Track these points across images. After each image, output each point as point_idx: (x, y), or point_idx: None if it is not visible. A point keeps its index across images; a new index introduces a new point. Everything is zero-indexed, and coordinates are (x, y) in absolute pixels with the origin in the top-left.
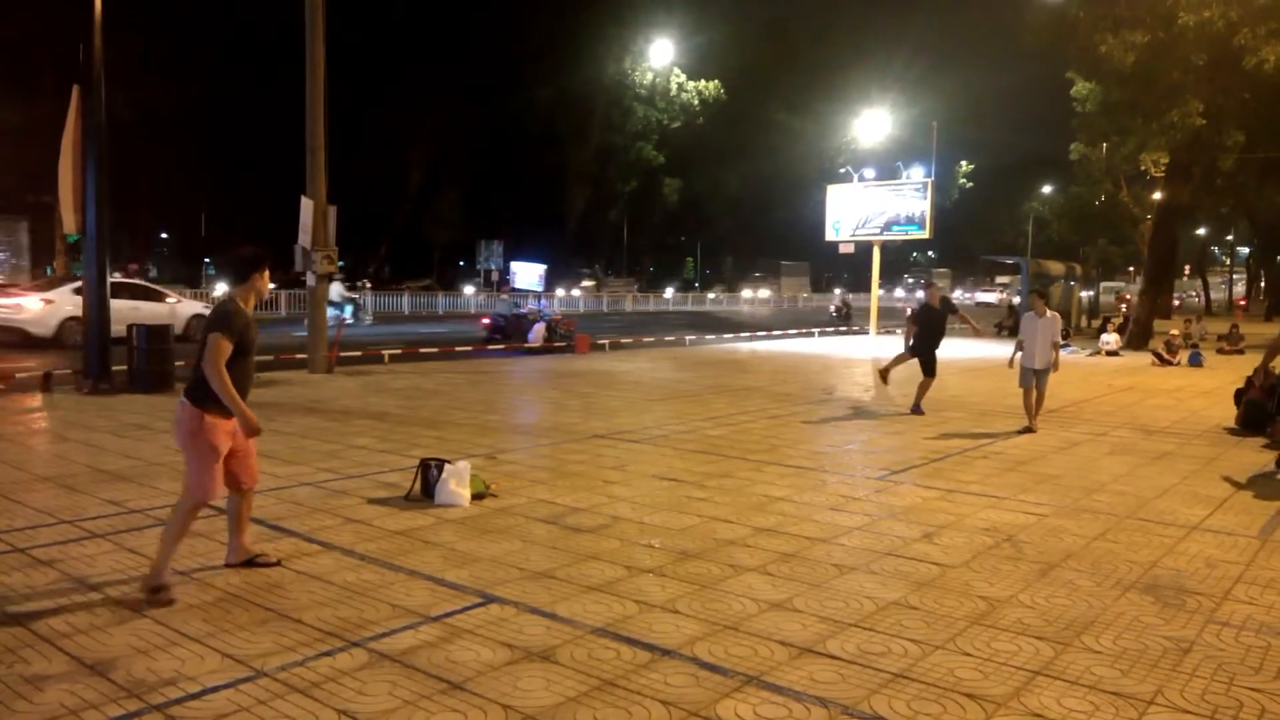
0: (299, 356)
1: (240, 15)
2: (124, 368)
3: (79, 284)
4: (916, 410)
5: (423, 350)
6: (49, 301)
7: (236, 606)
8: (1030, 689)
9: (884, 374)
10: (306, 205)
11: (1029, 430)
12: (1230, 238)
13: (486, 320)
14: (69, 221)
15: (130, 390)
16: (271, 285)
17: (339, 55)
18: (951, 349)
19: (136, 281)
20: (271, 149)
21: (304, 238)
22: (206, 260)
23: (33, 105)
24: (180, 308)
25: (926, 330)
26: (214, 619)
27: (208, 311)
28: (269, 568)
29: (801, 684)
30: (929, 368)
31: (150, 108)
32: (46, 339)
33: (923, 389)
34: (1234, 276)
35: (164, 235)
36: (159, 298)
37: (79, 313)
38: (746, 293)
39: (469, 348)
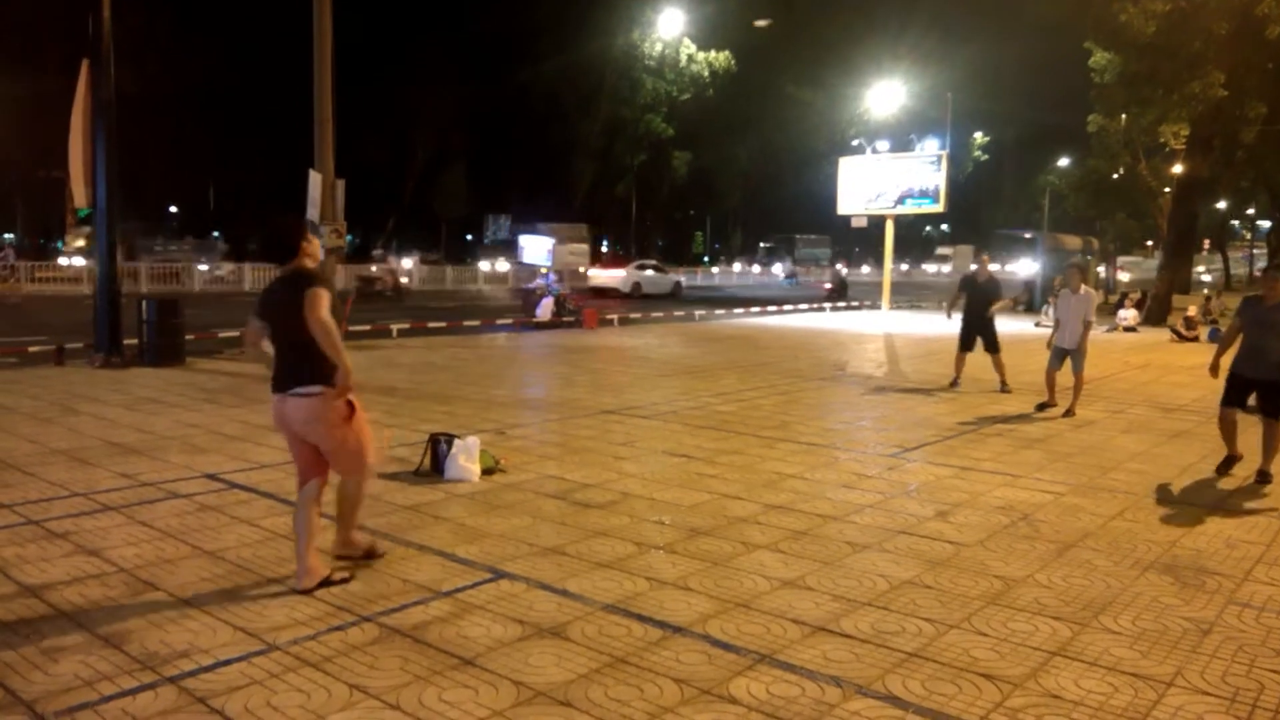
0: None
1: None
2: (134, 341)
3: (640, 262)
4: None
5: (431, 325)
6: (626, 270)
7: (248, 580)
8: (1047, 670)
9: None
10: (314, 179)
11: (1048, 405)
12: (1251, 211)
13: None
14: (79, 196)
15: (141, 364)
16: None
17: (345, 29)
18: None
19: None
20: (279, 123)
21: (312, 211)
22: (216, 234)
23: (41, 80)
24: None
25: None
26: (225, 593)
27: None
28: (345, 583)
29: (815, 663)
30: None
31: (158, 82)
32: (625, 293)
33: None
34: (1255, 251)
35: (173, 209)
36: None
37: (639, 279)
38: (738, 266)
39: (477, 322)
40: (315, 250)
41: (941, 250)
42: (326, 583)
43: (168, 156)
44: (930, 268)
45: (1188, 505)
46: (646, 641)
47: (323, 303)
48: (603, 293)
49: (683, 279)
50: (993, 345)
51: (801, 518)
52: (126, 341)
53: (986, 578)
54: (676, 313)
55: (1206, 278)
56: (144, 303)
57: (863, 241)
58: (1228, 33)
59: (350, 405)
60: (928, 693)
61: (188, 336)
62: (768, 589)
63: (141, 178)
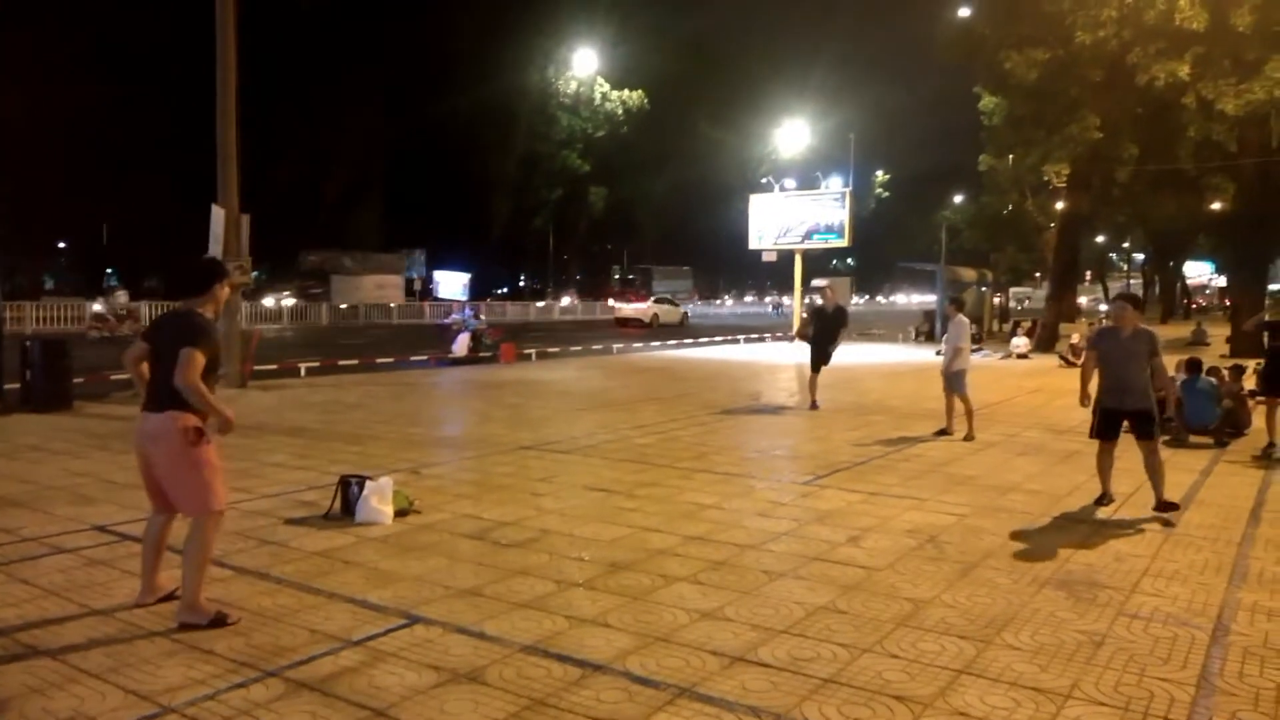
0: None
1: (148, 15)
2: (16, 386)
3: (658, 297)
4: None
5: (341, 363)
6: (648, 304)
7: (140, 639)
8: (955, 688)
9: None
10: (218, 214)
11: (944, 432)
12: (1127, 245)
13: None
14: None
15: (24, 410)
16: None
17: (252, 59)
18: (876, 353)
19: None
20: (181, 155)
21: (215, 247)
22: (109, 270)
23: None
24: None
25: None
26: (116, 653)
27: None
28: (232, 625)
29: (734, 693)
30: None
31: (48, 110)
32: (646, 323)
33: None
34: (1131, 281)
35: (61, 245)
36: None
37: (658, 310)
38: (566, 301)
39: (390, 359)
40: (223, 298)
41: (816, 282)
42: (170, 597)
43: (58, 188)
44: (655, 308)
45: (1080, 522)
46: (566, 681)
47: (194, 367)
48: (626, 322)
49: (688, 310)
50: (818, 366)
51: (719, 548)
52: (8, 386)
53: (897, 600)
54: (594, 346)
55: (1104, 306)
56: (27, 344)
57: (774, 274)
58: (1102, 79)
59: (199, 432)
60: (843, 717)
61: (76, 380)
62: (687, 621)
63: (28, 210)
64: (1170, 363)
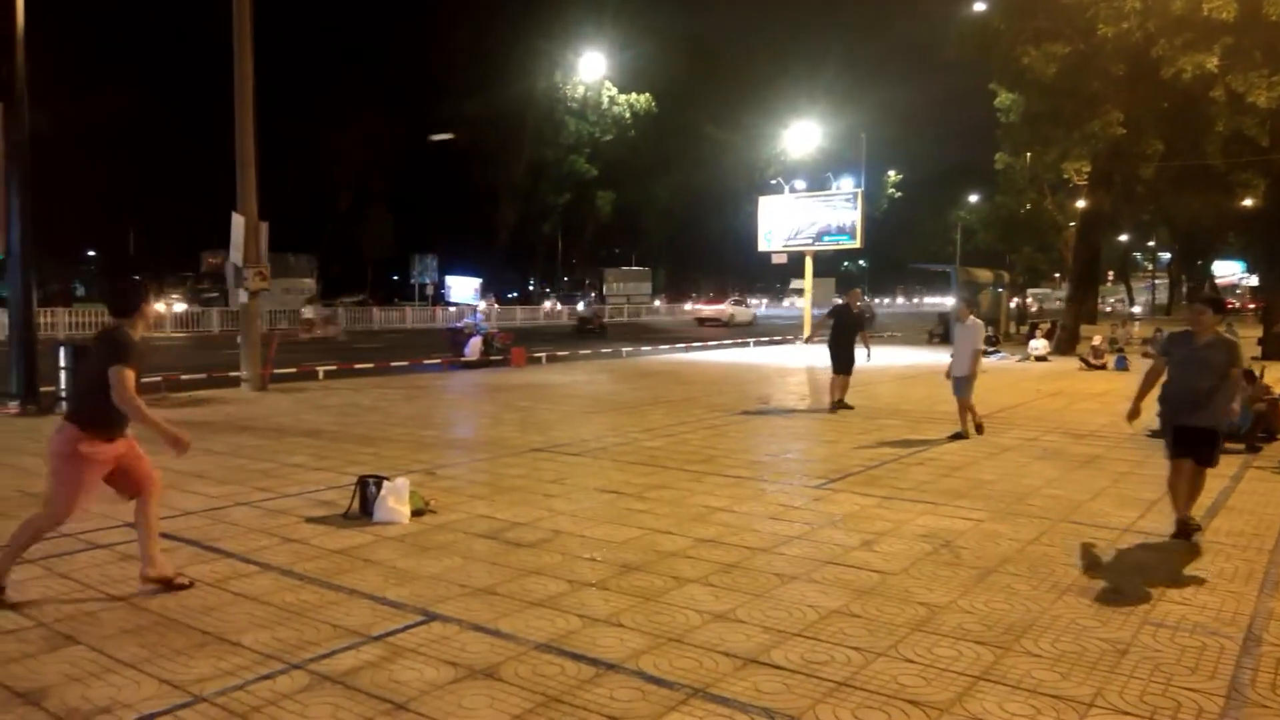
0: (232, 374)
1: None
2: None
3: (734, 299)
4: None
5: (358, 366)
6: (725, 305)
7: (172, 630)
8: (972, 694)
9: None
10: (238, 222)
11: (959, 436)
12: (1151, 243)
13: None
14: None
15: (58, 411)
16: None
17: (266, 69)
18: (889, 356)
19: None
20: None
21: (235, 254)
22: (136, 278)
23: None
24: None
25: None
26: (150, 644)
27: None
28: (185, 589)
29: (747, 695)
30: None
31: (75, 124)
32: (723, 322)
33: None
34: (1156, 282)
35: (91, 253)
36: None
37: (734, 311)
38: (549, 305)
39: (404, 363)
40: (151, 312)
41: (797, 284)
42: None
43: (86, 199)
44: (790, 303)
45: (1102, 528)
46: (580, 679)
47: (125, 384)
48: (705, 321)
49: (756, 311)
50: (845, 368)
51: (731, 550)
52: (44, 389)
53: (911, 605)
54: (604, 350)
55: (1137, 309)
56: (62, 348)
57: (783, 276)
58: (1125, 73)
59: (76, 451)
60: None
61: None
62: (699, 622)
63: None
64: None
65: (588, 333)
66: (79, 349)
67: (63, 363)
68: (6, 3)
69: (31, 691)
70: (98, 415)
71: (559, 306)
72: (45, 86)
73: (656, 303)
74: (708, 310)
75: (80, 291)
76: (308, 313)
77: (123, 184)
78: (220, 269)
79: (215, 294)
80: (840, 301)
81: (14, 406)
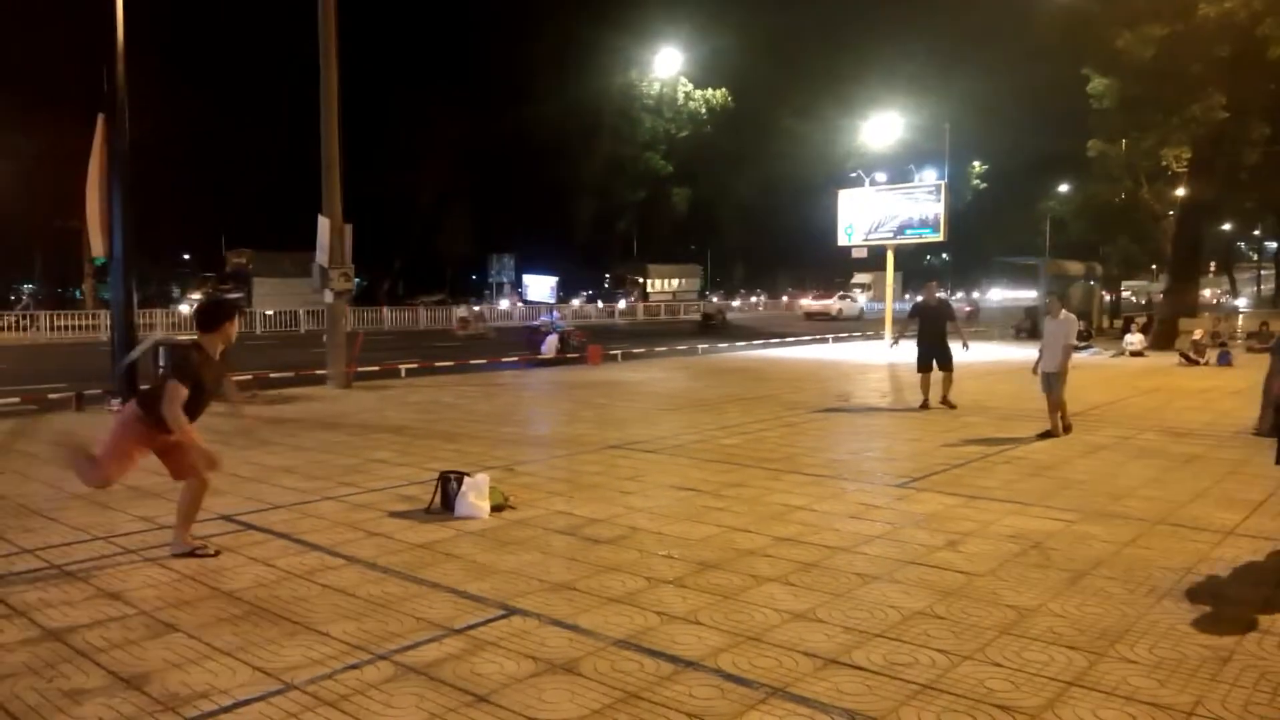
0: (318, 372)
1: (254, 37)
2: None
3: (842, 294)
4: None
5: (438, 364)
6: (834, 299)
7: (265, 620)
8: (1064, 700)
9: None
10: (323, 224)
11: (1049, 434)
12: (1257, 232)
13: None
14: (96, 246)
15: None
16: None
17: (349, 73)
18: (973, 351)
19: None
20: (287, 168)
21: (321, 256)
22: (224, 296)
23: (58, 133)
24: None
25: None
26: (243, 632)
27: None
28: (209, 557)
29: (828, 695)
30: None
31: (171, 132)
32: (833, 316)
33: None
34: (1262, 272)
35: (185, 256)
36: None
37: (842, 305)
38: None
39: (483, 360)
40: (232, 331)
41: (860, 278)
42: (192, 553)
43: (180, 204)
44: (839, 303)
45: (1202, 531)
46: (659, 676)
47: (173, 399)
48: (812, 315)
49: (864, 305)
50: (946, 365)
51: (810, 550)
52: (143, 387)
53: (999, 607)
54: (679, 347)
55: (1241, 301)
56: (160, 348)
57: (845, 270)
58: (1228, 55)
59: (131, 420)
60: None
61: None
62: (778, 622)
63: (155, 226)
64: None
65: (710, 329)
66: (174, 348)
67: (161, 362)
68: (107, 17)
69: (135, 676)
70: (158, 410)
71: (600, 304)
72: (143, 97)
73: (736, 300)
74: (815, 305)
75: (176, 293)
76: (461, 311)
77: (215, 189)
78: (243, 269)
79: (237, 294)
80: (920, 299)
81: (116, 404)
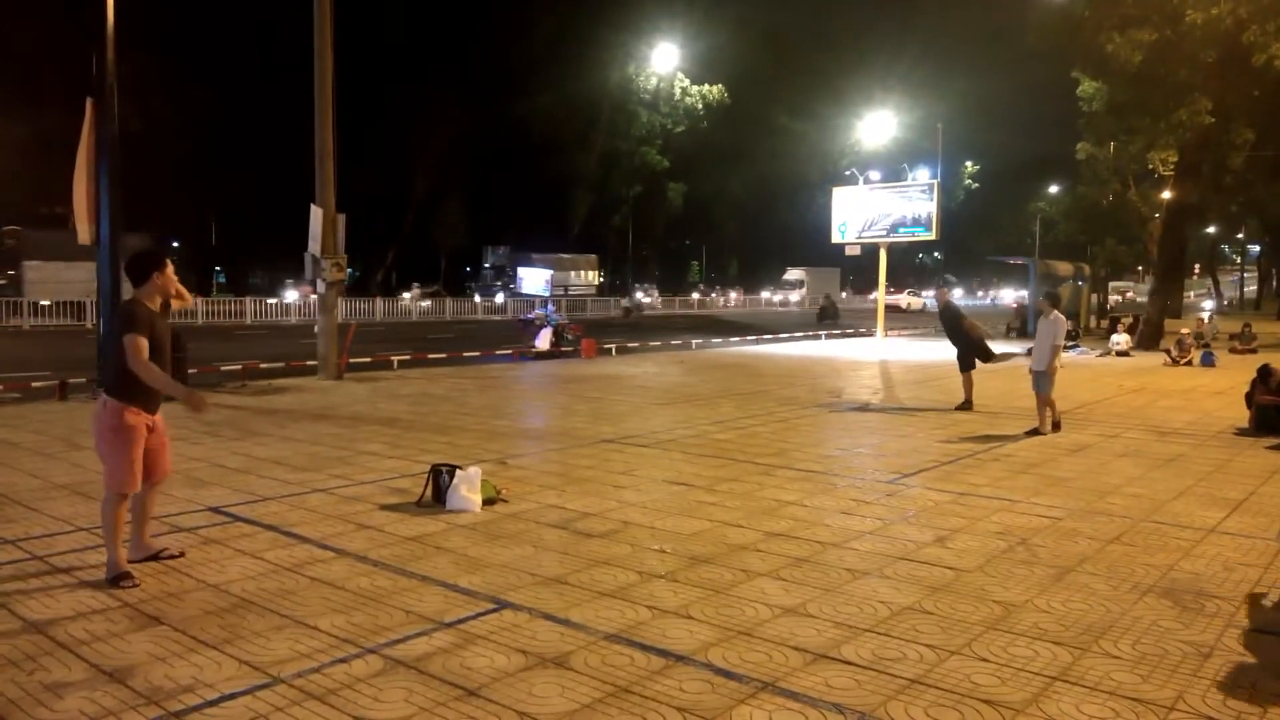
0: (309, 363)
1: (247, 24)
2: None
3: (911, 290)
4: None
5: (431, 356)
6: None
7: (252, 613)
8: (1049, 695)
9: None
10: (316, 213)
11: (1036, 432)
12: (1240, 236)
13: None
14: (83, 232)
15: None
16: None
17: (344, 64)
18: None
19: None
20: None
21: (314, 245)
22: (217, 269)
23: (44, 118)
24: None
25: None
26: (230, 626)
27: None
28: (174, 559)
29: (817, 690)
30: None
31: (160, 119)
32: (902, 309)
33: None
34: (1245, 275)
35: (175, 244)
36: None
37: (909, 301)
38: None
39: (476, 353)
40: (166, 283)
41: (792, 274)
42: (156, 557)
43: (170, 192)
44: (772, 295)
45: (1185, 529)
46: (649, 670)
47: (138, 350)
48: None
49: (924, 298)
50: (964, 365)
51: (801, 545)
52: (104, 373)
53: (986, 603)
54: (673, 341)
55: (1209, 304)
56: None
57: (855, 269)
58: (1214, 61)
59: (123, 422)
60: (930, 719)
61: (190, 370)
62: (769, 616)
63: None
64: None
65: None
66: (115, 311)
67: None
68: (97, 2)
69: (118, 669)
70: (135, 387)
71: (478, 299)
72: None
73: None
74: (885, 300)
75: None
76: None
77: (205, 177)
78: (18, 249)
79: (3, 281)
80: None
81: (102, 393)
